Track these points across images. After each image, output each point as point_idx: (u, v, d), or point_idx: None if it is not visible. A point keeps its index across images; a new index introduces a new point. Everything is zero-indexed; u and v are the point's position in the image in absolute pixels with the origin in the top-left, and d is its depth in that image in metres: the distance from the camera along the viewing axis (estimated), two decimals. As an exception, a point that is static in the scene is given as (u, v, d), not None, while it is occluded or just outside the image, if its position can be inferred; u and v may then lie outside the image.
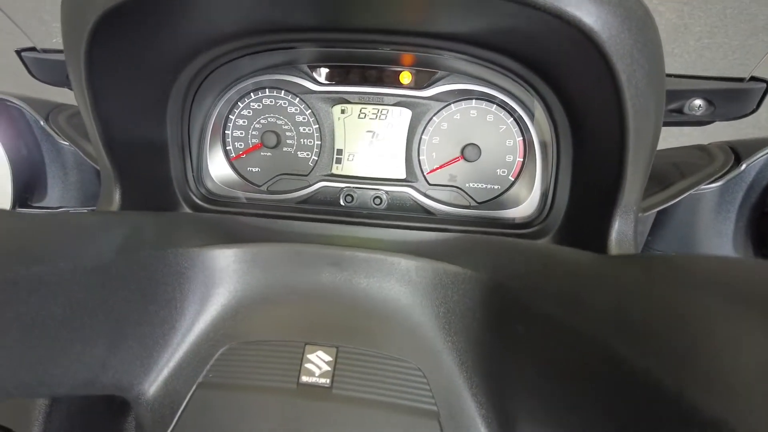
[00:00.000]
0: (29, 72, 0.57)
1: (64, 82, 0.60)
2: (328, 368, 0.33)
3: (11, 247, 0.28)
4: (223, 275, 0.37)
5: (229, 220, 0.47)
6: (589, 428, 0.23)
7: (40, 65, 0.57)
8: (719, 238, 0.55)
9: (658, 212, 0.53)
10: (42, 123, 0.58)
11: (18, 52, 0.56)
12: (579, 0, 0.32)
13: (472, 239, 0.46)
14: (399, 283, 0.37)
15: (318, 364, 0.33)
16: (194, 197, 0.56)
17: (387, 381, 0.33)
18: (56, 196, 0.63)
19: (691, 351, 0.19)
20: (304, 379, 0.32)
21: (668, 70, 0.53)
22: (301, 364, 0.33)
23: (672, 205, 0.51)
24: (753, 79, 0.49)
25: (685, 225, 0.54)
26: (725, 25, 1.95)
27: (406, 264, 0.37)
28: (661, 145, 0.52)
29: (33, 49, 0.57)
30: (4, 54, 0.59)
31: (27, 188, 0.61)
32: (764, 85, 0.48)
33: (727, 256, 0.45)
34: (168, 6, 0.39)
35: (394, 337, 0.35)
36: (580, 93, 0.44)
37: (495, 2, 0.34)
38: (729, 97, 0.50)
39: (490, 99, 0.54)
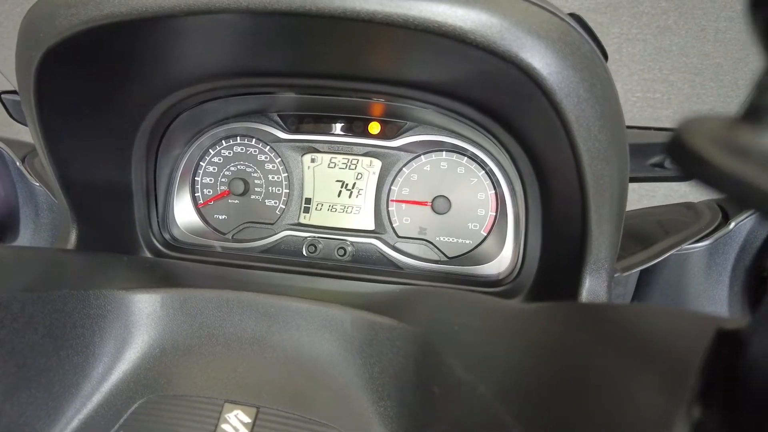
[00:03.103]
0: (8, 113, 0.59)
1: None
2: (246, 431, 0.30)
3: None
4: (147, 321, 0.35)
5: (180, 266, 0.45)
6: None
7: (19, 107, 0.59)
8: (713, 305, 0.50)
9: (643, 273, 0.49)
10: (18, 164, 0.59)
11: (-2, 95, 0.58)
12: (515, 35, 0.30)
13: (423, 290, 0.42)
14: (333, 338, 0.34)
15: (235, 425, 0.30)
16: (157, 243, 0.55)
17: None
18: (28, 236, 0.62)
19: (591, 416, 0.15)
20: None
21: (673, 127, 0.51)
22: (217, 425, 0.30)
23: (658, 265, 0.47)
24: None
25: (673, 286, 0.49)
26: (738, 95, 1.94)
27: (342, 316, 0.34)
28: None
29: (14, 92, 0.59)
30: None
31: (0, 228, 0.61)
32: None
33: (663, 306, 0.41)
34: (121, 46, 0.39)
35: (321, 399, 0.32)
36: (538, 140, 0.41)
37: (438, 44, 0.32)
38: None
39: (460, 151, 0.52)
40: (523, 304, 0.29)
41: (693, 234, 0.47)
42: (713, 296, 0.49)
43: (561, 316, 0.23)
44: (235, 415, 0.31)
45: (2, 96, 0.58)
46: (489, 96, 0.42)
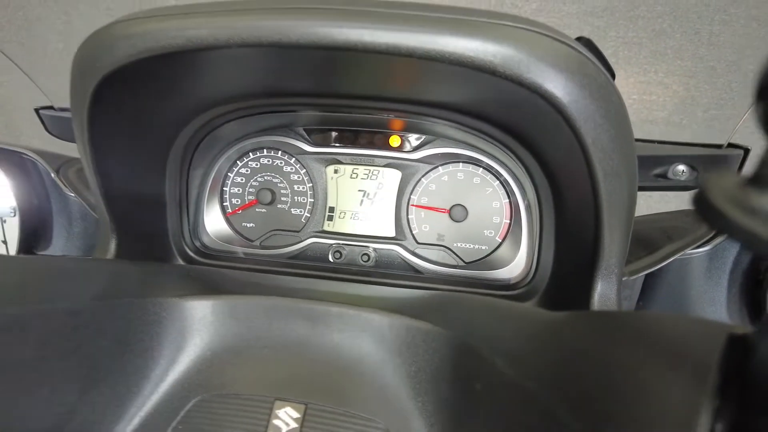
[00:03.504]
0: (45, 128, 0.62)
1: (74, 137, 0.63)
2: (296, 425, 0.33)
3: None
4: (199, 326, 0.38)
5: (215, 272, 0.48)
6: None
7: (55, 122, 0.62)
8: (713, 307, 0.53)
9: (648, 276, 0.52)
10: (53, 175, 0.62)
11: (36, 110, 0.61)
12: (548, 71, 0.34)
13: (450, 296, 0.46)
14: (372, 340, 0.37)
15: (286, 420, 0.33)
16: (189, 250, 0.58)
17: None
18: (60, 245, 0.65)
19: (622, 412, 0.19)
20: None
21: (675, 140, 0.55)
22: (269, 420, 0.33)
23: (661, 269, 0.51)
24: (731, 145, 0.50)
25: (676, 289, 0.53)
26: (732, 98, 1.98)
27: (379, 320, 0.37)
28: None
29: (50, 107, 0.62)
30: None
31: (33, 237, 0.64)
32: (741, 151, 0.49)
33: (677, 314, 0.44)
34: (167, 71, 0.42)
35: (364, 396, 0.34)
36: (555, 157, 0.45)
37: (465, 72, 0.36)
38: (710, 163, 0.51)
39: (476, 163, 0.56)
40: (553, 313, 0.32)
41: (694, 240, 0.50)
42: (713, 298, 0.53)
43: (593, 323, 0.26)
44: (285, 412, 0.34)
45: (40, 112, 0.61)
46: (510, 117, 0.45)
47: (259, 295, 0.39)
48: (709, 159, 0.51)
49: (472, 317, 0.37)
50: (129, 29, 0.37)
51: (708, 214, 0.14)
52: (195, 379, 0.36)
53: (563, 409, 0.20)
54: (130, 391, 0.34)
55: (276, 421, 0.33)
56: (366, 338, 0.37)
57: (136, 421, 0.34)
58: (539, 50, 0.33)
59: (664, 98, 1.98)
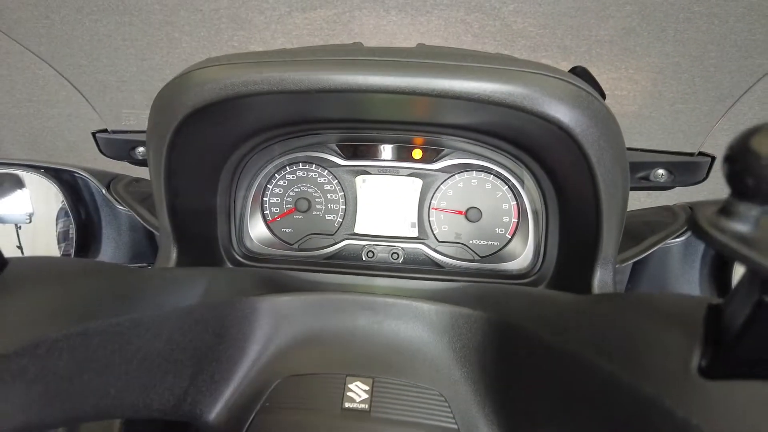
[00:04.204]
0: (99, 149, 0.68)
1: (124, 156, 0.70)
2: (366, 396, 0.39)
3: (127, 296, 0.35)
4: (279, 319, 0.44)
5: (276, 273, 0.56)
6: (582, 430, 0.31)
7: (108, 143, 0.68)
8: (688, 285, 0.64)
9: (634, 263, 0.62)
10: (103, 191, 0.68)
11: (93, 134, 0.67)
12: (557, 105, 0.43)
13: (479, 287, 0.54)
14: (422, 324, 0.45)
15: (357, 392, 0.39)
16: (236, 255, 0.65)
17: (415, 405, 0.39)
18: (109, 253, 0.72)
19: (638, 358, 0.28)
20: (347, 405, 0.38)
21: (645, 133, 0.64)
22: (343, 393, 0.39)
23: (645, 257, 0.61)
24: (701, 154, 0.60)
25: (658, 274, 0.63)
26: (695, 92, 2.13)
27: (427, 308, 0.45)
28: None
29: (105, 130, 0.68)
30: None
31: (84, 247, 0.70)
32: (709, 159, 0.59)
33: (670, 293, 0.54)
34: (233, 106, 0.49)
35: (419, 369, 0.41)
36: (561, 170, 0.54)
37: (491, 107, 0.45)
38: (684, 168, 0.61)
39: (487, 171, 0.65)
40: (576, 295, 0.41)
41: (672, 232, 0.60)
42: (689, 279, 0.63)
43: (615, 301, 0.36)
44: (357, 385, 0.40)
45: (96, 135, 0.67)
46: (524, 137, 0.54)
47: (327, 292, 0.47)
48: (683, 165, 0.61)
49: (503, 301, 0.45)
50: (213, 75, 0.45)
51: (697, 231, 0.23)
52: (277, 364, 0.42)
53: (602, 361, 0.29)
54: (224, 377, 0.40)
55: (350, 393, 0.39)
56: (417, 323, 0.45)
57: (231, 401, 0.40)
58: (557, 91, 0.42)
59: (633, 93, 2.11)
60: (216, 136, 0.55)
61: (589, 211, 0.50)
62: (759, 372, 0.23)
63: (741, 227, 0.22)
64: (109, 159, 0.70)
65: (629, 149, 0.66)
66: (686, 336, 0.26)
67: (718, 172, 0.56)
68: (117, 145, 0.68)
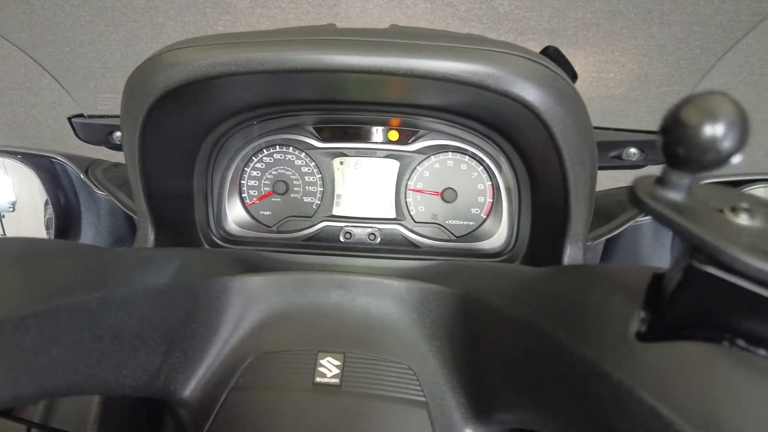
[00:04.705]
0: (75, 134, 0.68)
1: (101, 141, 0.70)
2: (338, 371, 0.40)
3: (98, 274, 0.36)
4: (251, 298, 0.45)
5: (252, 254, 0.57)
6: (547, 404, 0.32)
7: (85, 128, 0.68)
8: (659, 262, 0.65)
9: (608, 241, 0.64)
10: (82, 176, 0.68)
11: (69, 119, 0.67)
12: (522, 84, 0.43)
13: (449, 265, 0.55)
14: (393, 301, 0.46)
15: (329, 367, 0.40)
16: (214, 238, 0.66)
17: (385, 379, 0.40)
18: (89, 238, 0.72)
19: (582, 325, 0.29)
20: (318, 379, 0.39)
21: (632, 115, 0.65)
22: (315, 368, 0.40)
23: (618, 235, 0.62)
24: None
25: (630, 251, 0.65)
26: (681, 74, 2.14)
27: (398, 285, 0.46)
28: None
29: (81, 115, 0.68)
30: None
31: (63, 232, 0.70)
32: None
33: (623, 264, 0.57)
34: (205, 88, 0.49)
35: (389, 344, 0.42)
36: (531, 150, 0.55)
37: (460, 87, 0.45)
38: (655, 146, 0.62)
39: (462, 152, 0.66)
40: (537, 268, 0.42)
41: (643, 210, 0.61)
42: (659, 256, 0.64)
43: (569, 272, 0.37)
44: (328, 360, 0.41)
45: (72, 120, 0.67)
46: (495, 118, 0.55)
47: (298, 271, 0.47)
48: (654, 143, 0.62)
49: (471, 277, 0.46)
50: (183, 56, 0.45)
51: (634, 200, 0.24)
52: (250, 342, 0.42)
53: (552, 329, 0.30)
54: (198, 355, 0.41)
55: (321, 369, 0.40)
56: (388, 300, 0.46)
57: (205, 379, 0.41)
58: (522, 70, 0.43)
59: (620, 76, 2.12)
60: (189, 118, 0.55)
61: (558, 189, 0.51)
62: (689, 334, 0.24)
63: (675, 195, 0.23)
64: (92, 146, 0.70)
65: (601, 129, 0.67)
66: (627, 302, 0.27)
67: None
68: (94, 130, 0.68)
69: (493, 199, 0.66)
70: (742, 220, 0.22)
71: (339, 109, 0.62)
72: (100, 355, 0.33)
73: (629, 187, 0.24)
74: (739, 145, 0.21)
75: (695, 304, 0.23)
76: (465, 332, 0.41)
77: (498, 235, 0.65)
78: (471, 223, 0.67)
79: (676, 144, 0.22)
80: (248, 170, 0.68)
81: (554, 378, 0.31)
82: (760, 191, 0.68)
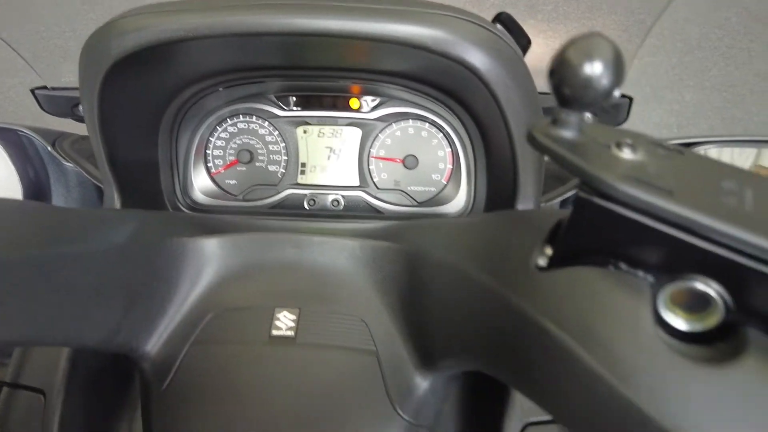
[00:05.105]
0: (40, 106, 0.68)
1: (67, 113, 0.71)
2: (293, 324, 0.42)
3: (54, 230, 0.38)
4: (209, 259, 0.46)
5: (212, 218, 0.58)
6: (478, 344, 0.35)
7: (49, 100, 0.68)
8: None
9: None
10: (49, 148, 0.69)
11: (32, 90, 0.67)
12: (464, 47, 0.45)
13: (400, 224, 0.57)
14: (347, 259, 0.47)
15: (285, 322, 0.42)
16: (181, 206, 0.67)
17: (338, 331, 0.42)
18: (60, 211, 0.73)
19: (496, 262, 0.31)
20: (274, 333, 0.41)
21: None
22: (271, 323, 0.42)
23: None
24: (621, 96, 0.63)
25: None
26: (663, 45, 2.15)
27: (352, 244, 0.47)
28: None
29: (44, 87, 0.68)
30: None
31: (34, 205, 0.71)
32: (628, 100, 0.62)
33: (547, 208, 0.60)
34: (162, 54, 0.50)
35: (343, 299, 0.44)
36: (482, 114, 0.57)
37: (411, 50, 0.47)
38: (605, 110, 0.64)
39: (423, 119, 0.67)
40: (469, 218, 0.44)
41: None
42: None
43: (493, 219, 0.39)
44: (284, 315, 0.43)
45: (36, 92, 0.67)
46: (445, 81, 0.57)
47: (255, 232, 0.49)
48: (605, 106, 0.64)
49: (419, 233, 0.48)
50: (135, 23, 0.46)
51: (530, 140, 0.25)
52: (210, 300, 0.44)
53: (471, 271, 0.32)
54: (158, 312, 0.43)
55: (277, 323, 0.42)
56: (342, 258, 0.47)
57: (165, 335, 0.42)
58: (464, 33, 0.45)
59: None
60: (149, 85, 0.56)
61: (507, 152, 0.53)
62: (581, 261, 0.26)
63: (566, 133, 0.25)
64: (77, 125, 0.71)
65: (548, 94, 0.68)
66: (534, 239, 0.29)
67: (636, 113, 0.59)
68: (58, 102, 0.69)
69: (452, 165, 0.68)
70: (625, 154, 0.24)
71: (300, 76, 0.64)
72: (59, 308, 0.35)
73: (527, 130, 0.26)
74: (617, 82, 0.23)
75: (584, 233, 0.26)
76: (412, 285, 0.43)
77: (458, 200, 0.67)
78: (432, 189, 0.69)
79: (562, 84, 0.24)
80: (213, 140, 0.69)
81: (479, 318, 0.33)
82: (712, 152, 0.70)
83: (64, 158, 0.69)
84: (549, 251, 0.28)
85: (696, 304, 0.22)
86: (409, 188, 0.69)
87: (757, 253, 0.20)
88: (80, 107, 0.70)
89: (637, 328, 0.23)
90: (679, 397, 0.21)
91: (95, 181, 0.66)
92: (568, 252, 0.27)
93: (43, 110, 0.69)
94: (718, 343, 0.22)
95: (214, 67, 0.59)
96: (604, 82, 0.23)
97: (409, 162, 0.68)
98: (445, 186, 0.68)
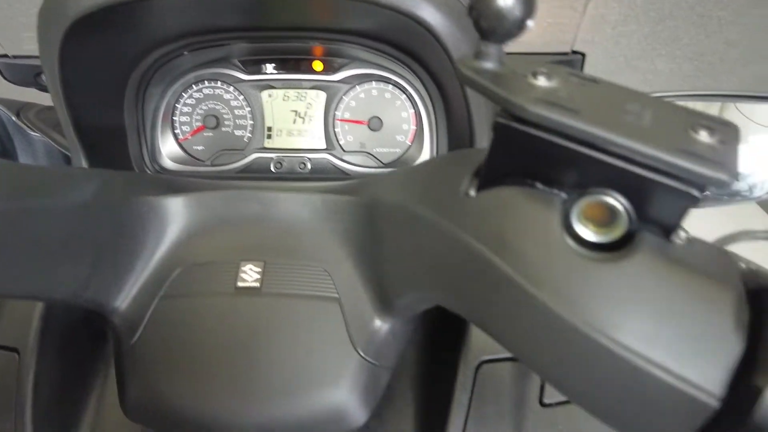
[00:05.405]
0: (1, 75, 0.68)
1: (30, 82, 0.70)
2: (258, 276, 0.44)
3: (21, 185, 0.38)
4: (175, 216, 0.47)
5: (180, 179, 0.59)
6: (430, 278, 0.36)
7: (11, 69, 0.68)
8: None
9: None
10: (14, 119, 0.69)
11: (-8, 59, 0.67)
12: (414, 2, 0.46)
13: (361, 180, 0.59)
14: (309, 213, 0.48)
15: (250, 274, 0.44)
16: (149, 173, 0.68)
17: (302, 281, 0.44)
18: (29, 181, 0.73)
19: (434, 195, 0.33)
20: (240, 284, 0.43)
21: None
22: (237, 275, 0.44)
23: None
24: (574, 52, 0.65)
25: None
26: (636, 14, 2.15)
27: (314, 198, 0.48)
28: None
29: (5, 56, 0.68)
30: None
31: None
32: (581, 56, 0.64)
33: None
34: (122, 15, 0.51)
35: (307, 251, 0.46)
36: (438, 71, 0.58)
37: (367, 7, 0.48)
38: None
39: (386, 80, 0.68)
40: (421, 163, 0.46)
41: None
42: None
43: (436, 159, 0.41)
44: (249, 268, 0.44)
45: (-5, 59, 0.67)
46: (402, 39, 0.58)
47: (220, 189, 0.50)
48: (559, 64, 0.65)
49: (377, 184, 0.50)
50: None
51: (458, 75, 0.27)
52: (177, 256, 0.46)
53: (418, 207, 0.34)
54: (126, 268, 0.44)
55: (243, 275, 0.44)
56: (305, 212, 0.48)
57: (134, 290, 0.44)
58: None
59: (576, 21, 2.14)
60: (111, 48, 0.56)
61: (463, 110, 0.55)
62: (503, 183, 0.28)
63: (488, 65, 0.27)
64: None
65: (508, 54, 0.70)
66: (465, 170, 0.31)
67: (589, 67, 0.61)
68: (21, 71, 0.68)
69: (416, 126, 0.69)
70: (540, 81, 0.26)
71: (264, 38, 0.64)
72: (27, 261, 0.36)
73: (455, 67, 0.28)
74: (527, 13, 0.25)
75: (504, 157, 0.28)
76: (371, 234, 0.45)
77: (422, 160, 0.69)
78: (397, 150, 0.70)
79: (479, 18, 0.26)
80: (179, 106, 0.70)
81: (425, 253, 0.36)
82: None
83: (30, 128, 0.69)
84: (476, 176, 0.30)
85: (604, 217, 0.25)
86: (374, 150, 0.70)
87: (651, 162, 0.22)
88: (43, 76, 0.70)
89: (547, 237, 0.25)
90: (580, 293, 0.24)
91: (62, 150, 0.67)
92: (492, 177, 0.29)
93: (5, 79, 0.68)
94: (620, 250, 0.24)
95: (177, 30, 0.60)
96: (516, 13, 0.25)
97: (374, 124, 0.69)
98: (410, 147, 0.70)
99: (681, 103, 0.75)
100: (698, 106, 0.81)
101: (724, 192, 0.77)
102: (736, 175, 0.21)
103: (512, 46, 0.27)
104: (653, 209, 0.24)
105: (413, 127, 0.69)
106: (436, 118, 0.66)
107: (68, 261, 0.39)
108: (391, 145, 0.70)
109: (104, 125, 0.61)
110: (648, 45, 1.97)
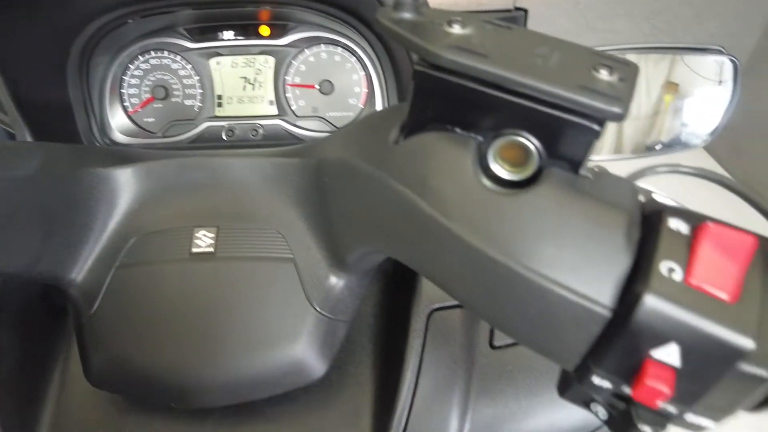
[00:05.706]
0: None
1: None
2: (212, 241, 0.44)
3: None
4: (125, 187, 0.46)
5: (129, 150, 0.59)
6: (378, 234, 0.37)
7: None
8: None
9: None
10: (-46, 98, 0.67)
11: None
12: None
13: (312, 143, 0.59)
14: (260, 177, 0.47)
15: (204, 239, 0.44)
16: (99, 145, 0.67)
17: (256, 243, 0.44)
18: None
19: (372, 149, 0.34)
20: (194, 250, 0.43)
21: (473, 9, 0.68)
22: (191, 241, 0.44)
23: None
24: (517, 9, 0.65)
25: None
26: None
27: (264, 162, 0.48)
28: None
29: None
30: None
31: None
32: (523, 12, 0.65)
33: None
34: None
35: (260, 214, 0.46)
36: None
37: None
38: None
39: (335, 43, 0.68)
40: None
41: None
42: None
43: (374, 113, 0.42)
44: (203, 235, 0.44)
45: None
46: (354, 3, 0.58)
47: (169, 158, 0.49)
48: (503, 21, 0.66)
49: (323, 144, 0.50)
50: None
51: (378, 26, 0.28)
52: (130, 226, 0.45)
53: (355, 158, 0.35)
54: (80, 240, 0.43)
55: (197, 241, 0.44)
56: (255, 176, 0.47)
57: (89, 262, 0.44)
58: None
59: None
60: (48, 18, 0.55)
61: (410, 70, 0.55)
62: (425, 129, 0.29)
63: (406, 15, 0.28)
64: None
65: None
66: (394, 121, 0.32)
67: (536, 24, 0.61)
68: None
69: (368, 88, 0.69)
70: (455, 29, 0.27)
71: (208, 4, 0.63)
72: None
73: (376, 19, 0.28)
74: None
75: (425, 104, 0.29)
76: (321, 192, 0.45)
77: None
78: (350, 114, 0.70)
79: None
80: (127, 78, 0.69)
81: (366, 205, 0.36)
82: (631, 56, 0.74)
83: (-29, 106, 0.67)
84: (403, 126, 0.31)
85: (518, 156, 0.26)
86: (327, 114, 0.70)
87: (553, 99, 0.24)
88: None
89: (462, 177, 0.27)
90: (493, 224, 0.25)
91: (5, 127, 0.65)
92: (416, 125, 0.30)
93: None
94: (531, 186, 0.26)
95: None
96: None
97: (325, 87, 0.69)
98: (362, 110, 0.70)
99: (632, 57, 0.77)
100: (650, 60, 0.83)
101: (674, 141, 0.81)
102: (628, 108, 0.23)
103: (457, 5, 0.28)
104: (560, 146, 0.25)
105: (365, 90, 0.70)
106: (386, 79, 0.66)
107: (17, 234, 0.39)
108: (343, 108, 0.70)
109: (48, 100, 0.60)
110: (606, 6, 1.98)
